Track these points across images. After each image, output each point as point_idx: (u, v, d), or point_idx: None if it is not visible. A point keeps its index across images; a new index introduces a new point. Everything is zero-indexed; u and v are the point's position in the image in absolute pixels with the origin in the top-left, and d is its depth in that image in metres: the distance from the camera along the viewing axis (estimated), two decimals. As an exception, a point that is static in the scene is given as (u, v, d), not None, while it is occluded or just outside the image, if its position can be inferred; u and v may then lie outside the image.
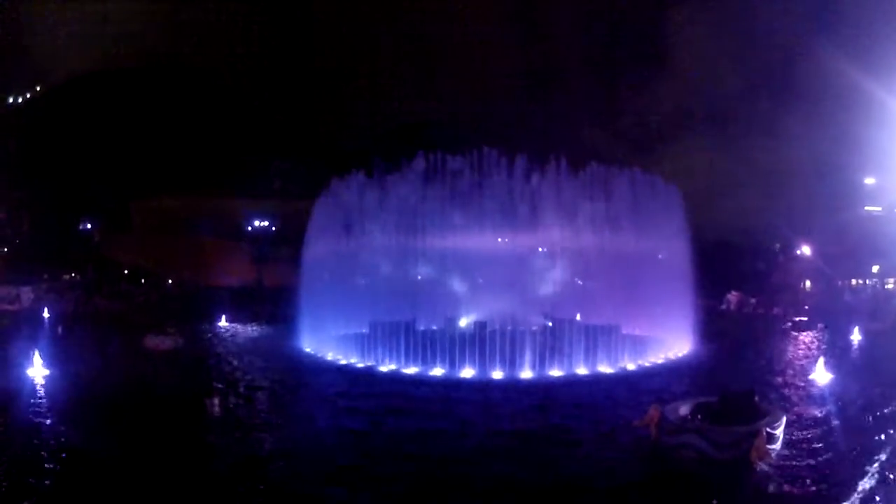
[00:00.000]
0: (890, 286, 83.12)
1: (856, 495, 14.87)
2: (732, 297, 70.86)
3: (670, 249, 37.87)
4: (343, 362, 34.00)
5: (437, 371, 30.91)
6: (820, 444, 18.65)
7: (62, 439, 19.07)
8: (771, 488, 15.54)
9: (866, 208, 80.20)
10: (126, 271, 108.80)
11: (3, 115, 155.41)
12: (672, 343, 36.13)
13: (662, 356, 34.62)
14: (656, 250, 37.75)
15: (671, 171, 49.52)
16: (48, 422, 21.26)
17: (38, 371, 28.52)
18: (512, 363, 30.59)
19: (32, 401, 23.97)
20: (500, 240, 35.61)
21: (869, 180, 77.27)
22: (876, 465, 16.54)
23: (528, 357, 30.73)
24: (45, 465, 16.77)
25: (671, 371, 31.82)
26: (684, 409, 18.47)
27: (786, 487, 15.55)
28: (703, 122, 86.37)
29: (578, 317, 34.02)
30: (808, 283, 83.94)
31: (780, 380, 29.20)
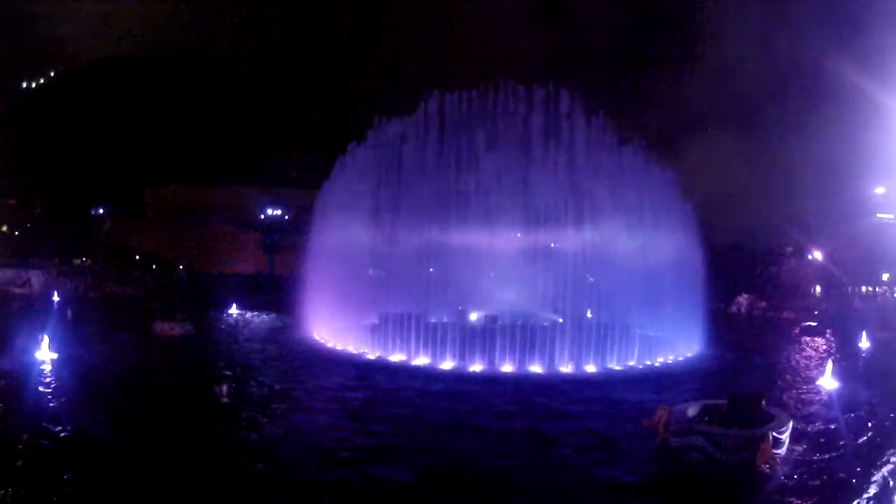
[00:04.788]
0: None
1: (861, 501, 14.87)
2: (742, 299, 70.69)
3: (682, 250, 37.68)
4: (353, 351, 34.21)
5: (447, 364, 31.03)
6: (825, 450, 18.62)
7: (67, 423, 19.14)
8: (775, 492, 15.54)
9: (878, 216, 79.83)
10: (137, 257, 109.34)
11: (18, 100, 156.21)
12: (681, 344, 36.07)
13: (671, 357, 34.62)
14: (668, 250, 37.59)
15: (686, 171, 49.21)
16: (54, 405, 21.40)
17: (45, 355, 28.65)
18: (521, 358, 30.68)
19: (39, 384, 24.09)
20: (513, 234, 35.50)
21: (879, 189, 77.05)
22: (882, 472, 16.53)
23: (537, 352, 30.81)
24: (50, 449, 16.90)
25: (679, 372, 31.79)
26: (692, 411, 18.46)
27: (789, 492, 15.54)
28: (720, 124, 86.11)
29: (589, 314, 34.04)
30: (818, 289, 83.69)
31: (787, 384, 29.13)
